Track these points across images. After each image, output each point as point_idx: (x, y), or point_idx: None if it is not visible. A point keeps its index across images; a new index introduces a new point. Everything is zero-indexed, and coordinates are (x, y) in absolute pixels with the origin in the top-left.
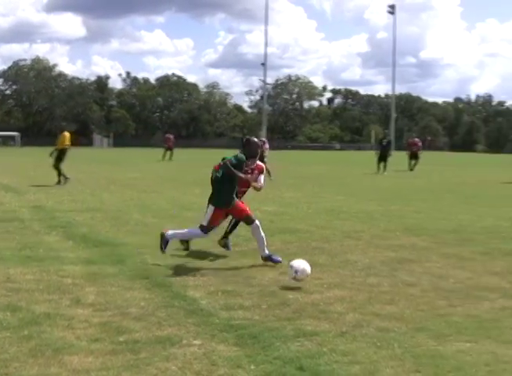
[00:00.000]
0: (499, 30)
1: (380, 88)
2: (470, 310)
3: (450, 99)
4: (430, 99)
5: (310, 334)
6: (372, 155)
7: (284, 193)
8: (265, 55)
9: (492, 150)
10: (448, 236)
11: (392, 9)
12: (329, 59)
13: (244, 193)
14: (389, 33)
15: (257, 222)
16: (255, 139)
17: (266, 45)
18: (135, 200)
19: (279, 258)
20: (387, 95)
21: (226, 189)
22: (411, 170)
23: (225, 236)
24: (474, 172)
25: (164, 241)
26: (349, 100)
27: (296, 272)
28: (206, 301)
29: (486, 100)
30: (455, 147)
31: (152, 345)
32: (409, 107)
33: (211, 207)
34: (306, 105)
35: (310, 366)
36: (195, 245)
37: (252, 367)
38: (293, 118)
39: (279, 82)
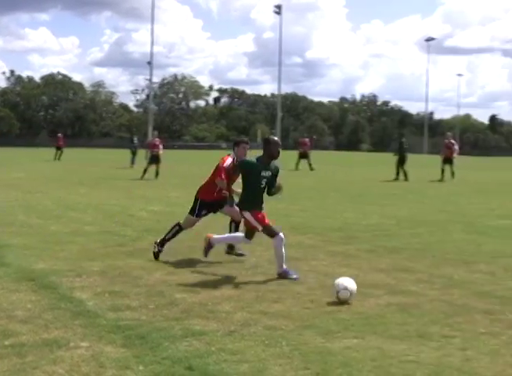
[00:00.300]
0: (384, 32)
1: (266, 87)
2: (356, 307)
3: (335, 99)
4: (316, 99)
5: (198, 333)
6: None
7: (170, 192)
8: (151, 54)
9: (377, 149)
10: (334, 235)
11: (279, 9)
12: (216, 59)
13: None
14: (275, 33)
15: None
16: (275, 138)
17: (152, 43)
18: (19, 200)
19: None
20: (273, 95)
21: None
22: (310, 170)
23: (230, 249)
24: (359, 171)
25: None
26: (235, 100)
27: (338, 291)
28: (93, 303)
29: (371, 100)
30: (340, 146)
31: (39, 348)
32: (295, 107)
33: (247, 213)
34: (192, 104)
35: (199, 365)
36: (77, 245)
37: (140, 368)
38: (179, 118)
39: (165, 81)
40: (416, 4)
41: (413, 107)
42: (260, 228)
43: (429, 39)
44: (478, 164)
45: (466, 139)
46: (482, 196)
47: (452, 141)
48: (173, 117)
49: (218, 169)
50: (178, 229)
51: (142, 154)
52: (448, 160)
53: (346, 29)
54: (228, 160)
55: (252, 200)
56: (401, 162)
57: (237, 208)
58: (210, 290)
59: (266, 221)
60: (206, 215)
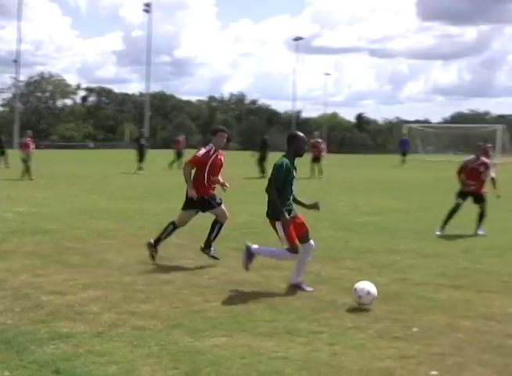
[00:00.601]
0: (253, 31)
1: (134, 86)
2: (225, 305)
3: (204, 98)
4: (185, 98)
5: (66, 336)
6: (128, 153)
7: (37, 192)
8: (18, 52)
9: (245, 148)
10: (203, 233)
11: (148, 8)
12: (84, 57)
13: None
14: (144, 31)
15: (311, 242)
16: (302, 134)
17: (19, 41)
18: None
19: (310, 289)
20: (141, 94)
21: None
22: (178, 167)
23: (207, 245)
24: (227, 169)
25: (249, 255)
26: (103, 98)
27: (359, 297)
28: None
29: (239, 99)
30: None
31: None
32: (164, 105)
33: (279, 224)
34: (60, 103)
35: (66, 368)
36: None
37: (6, 373)
38: (46, 117)
39: (32, 80)
40: (285, 4)
41: (281, 106)
42: (285, 245)
43: (297, 39)
44: (345, 162)
45: (333, 138)
46: (349, 193)
47: (319, 140)
48: (40, 116)
49: (192, 157)
50: (220, 225)
51: (11, 154)
52: (316, 159)
53: (215, 28)
54: (203, 151)
55: (288, 206)
56: (262, 159)
57: (224, 208)
58: (77, 291)
59: (295, 238)
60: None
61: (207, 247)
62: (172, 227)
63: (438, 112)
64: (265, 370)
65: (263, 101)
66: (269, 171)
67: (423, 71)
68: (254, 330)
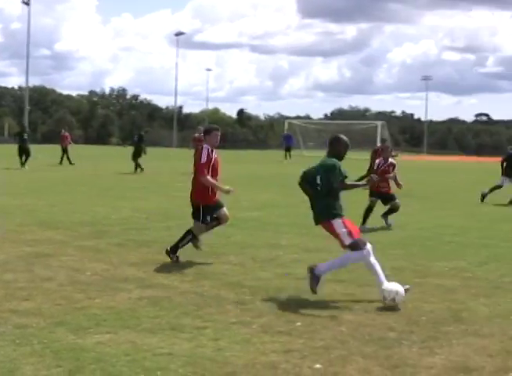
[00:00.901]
0: (134, 25)
1: (13, 80)
2: (108, 302)
3: (85, 92)
4: (65, 92)
5: None
6: (9, 148)
7: None
8: None
9: (125, 143)
10: (84, 229)
11: (27, 0)
12: None
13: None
14: (23, 24)
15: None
16: (345, 138)
17: None
18: None
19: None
20: (20, 88)
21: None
22: (61, 163)
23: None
24: (108, 165)
25: (315, 278)
26: None
27: (393, 299)
28: None
29: (120, 94)
30: (89, 140)
31: None
32: (44, 100)
33: (337, 221)
34: None
35: None
36: None
37: None
38: None
39: None
40: None
41: (163, 101)
42: (347, 242)
43: (178, 34)
44: (227, 158)
45: None
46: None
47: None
48: None
49: (199, 167)
50: (191, 237)
51: None
52: None
53: (96, 22)
54: (204, 154)
55: (340, 205)
56: (137, 155)
57: (226, 210)
58: None
59: (357, 233)
60: (212, 218)
61: (172, 252)
62: (215, 223)
63: (318, 108)
64: (150, 366)
65: (144, 96)
66: (145, 165)
67: (304, 68)
68: (137, 326)
